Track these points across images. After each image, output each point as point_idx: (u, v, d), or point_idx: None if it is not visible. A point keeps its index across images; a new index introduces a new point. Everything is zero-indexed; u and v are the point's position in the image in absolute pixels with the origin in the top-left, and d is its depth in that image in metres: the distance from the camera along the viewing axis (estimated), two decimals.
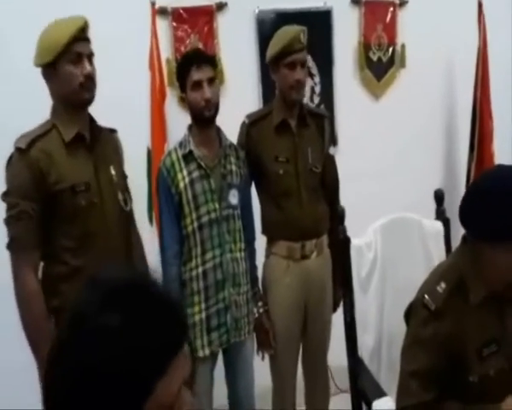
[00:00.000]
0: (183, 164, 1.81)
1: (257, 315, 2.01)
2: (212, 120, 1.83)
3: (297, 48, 1.89)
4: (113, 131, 1.81)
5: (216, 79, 1.84)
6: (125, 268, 0.83)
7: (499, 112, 2.96)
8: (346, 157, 2.84)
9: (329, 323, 2.14)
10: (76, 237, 1.58)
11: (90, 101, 1.61)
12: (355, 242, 1.72)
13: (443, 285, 1.32)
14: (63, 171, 1.55)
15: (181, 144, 1.85)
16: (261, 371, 2.11)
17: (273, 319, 2.05)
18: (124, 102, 2.32)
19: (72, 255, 1.58)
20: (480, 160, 2.91)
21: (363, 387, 1.64)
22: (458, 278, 1.33)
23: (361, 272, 1.73)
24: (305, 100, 2.75)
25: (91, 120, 1.68)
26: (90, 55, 1.60)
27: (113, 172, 1.69)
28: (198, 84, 1.76)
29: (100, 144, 1.68)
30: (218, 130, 1.91)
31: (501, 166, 1.31)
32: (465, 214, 1.29)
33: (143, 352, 0.66)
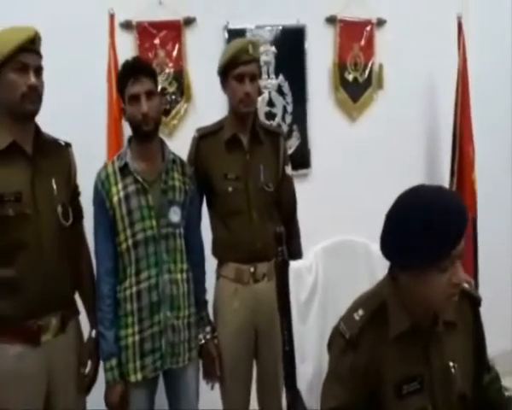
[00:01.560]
0: (119, 177, 1.72)
1: (203, 341, 1.90)
2: (150, 134, 1.74)
3: (244, 59, 1.82)
4: (67, 145, 1.77)
5: (154, 93, 1.73)
6: None
7: (481, 137, 2.85)
8: (318, 180, 2.77)
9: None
10: (3, 247, 1.53)
11: (33, 113, 1.58)
12: (294, 264, 1.61)
13: (360, 312, 1.21)
14: None
15: (119, 156, 1.77)
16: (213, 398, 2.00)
17: (221, 344, 1.94)
18: (83, 116, 2.28)
19: None
20: (461, 187, 2.79)
21: None
22: (378, 306, 1.22)
23: (300, 297, 1.61)
24: (278, 119, 2.70)
25: (37, 133, 1.64)
26: (38, 69, 1.56)
27: (54, 185, 1.64)
28: (135, 98, 1.69)
29: (44, 157, 1.63)
30: (162, 143, 1.83)
31: (411, 190, 1.18)
32: (382, 245, 1.20)
33: None
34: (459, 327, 1.25)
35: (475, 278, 2.68)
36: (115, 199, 1.70)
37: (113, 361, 1.71)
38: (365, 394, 1.18)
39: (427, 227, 1.08)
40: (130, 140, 1.79)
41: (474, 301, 1.30)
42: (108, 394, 1.73)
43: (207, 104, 2.52)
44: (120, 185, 1.71)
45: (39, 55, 1.58)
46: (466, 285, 1.30)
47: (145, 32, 2.44)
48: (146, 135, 1.72)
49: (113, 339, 1.72)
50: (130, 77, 1.69)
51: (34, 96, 1.54)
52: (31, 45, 1.53)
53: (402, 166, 2.82)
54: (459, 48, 2.76)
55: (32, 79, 1.52)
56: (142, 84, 1.69)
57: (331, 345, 1.27)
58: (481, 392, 1.28)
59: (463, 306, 1.27)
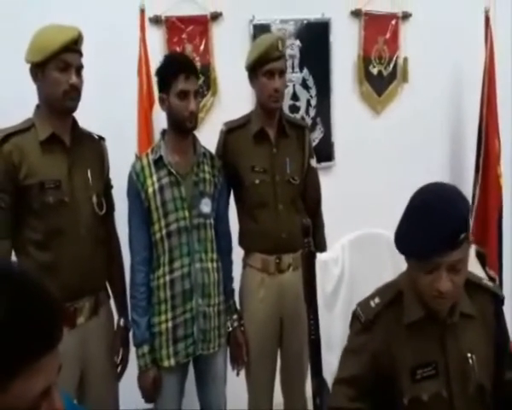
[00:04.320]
0: (153, 169, 1.78)
1: (230, 328, 1.96)
2: (192, 131, 1.81)
3: (275, 56, 1.85)
4: (100, 139, 1.85)
5: (199, 92, 1.82)
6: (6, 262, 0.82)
7: (508, 132, 2.84)
8: (342, 173, 2.80)
9: (306, 340, 2.05)
10: (43, 232, 1.62)
11: (71, 110, 1.67)
12: (321, 257, 1.65)
13: (377, 300, 1.30)
14: (34, 167, 1.60)
15: (153, 149, 1.83)
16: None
17: (247, 332, 2.00)
18: (115, 108, 2.35)
19: (38, 249, 1.62)
20: (485, 182, 2.78)
21: (321, 408, 1.56)
22: (395, 294, 1.29)
23: (326, 288, 1.65)
24: (301, 112, 2.73)
25: (75, 125, 1.73)
26: (79, 68, 1.65)
27: (89, 175, 1.72)
28: (185, 94, 1.74)
29: (80, 148, 1.72)
30: (194, 138, 1.88)
31: (431, 184, 1.23)
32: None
33: None
34: (478, 321, 1.29)
35: (499, 274, 2.68)
36: (150, 190, 1.76)
37: (145, 348, 1.78)
38: (374, 372, 1.26)
39: (413, 226, 1.17)
40: (163, 133, 1.85)
41: (495, 299, 1.33)
42: (141, 379, 1.80)
43: (233, 98, 2.56)
44: (155, 177, 1.77)
45: (81, 55, 1.65)
46: (489, 283, 1.35)
47: (173, 26, 2.50)
48: (188, 131, 1.79)
49: (146, 326, 1.78)
50: (182, 72, 1.73)
51: (75, 94, 1.63)
52: (74, 45, 1.61)
53: (426, 161, 2.83)
54: (486, 42, 2.73)
55: (74, 79, 1.60)
56: (193, 82, 1.75)
57: (350, 327, 1.36)
58: (503, 388, 1.30)
59: (484, 301, 1.31)
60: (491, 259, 2.61)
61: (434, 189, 1.21)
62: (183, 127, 1.77)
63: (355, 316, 1.32)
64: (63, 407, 0.75)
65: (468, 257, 1.19)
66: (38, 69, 1.59)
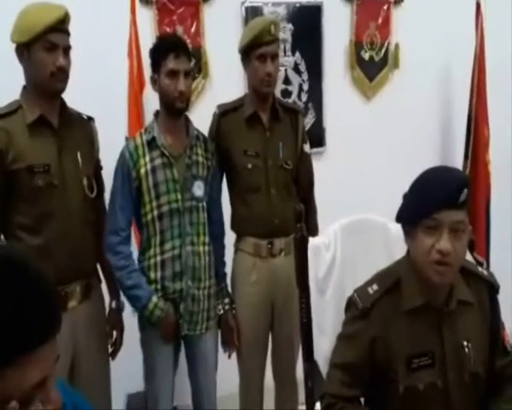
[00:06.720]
0: (146, 150, 1.77)
1: (222, 312, 1.97)
2: (182, 111, 1.79)
3: (267, 40, 1.84)
4: (90, 119, 1.81)
5: (191, 73, 1.79)
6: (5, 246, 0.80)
7: (497, 118, 2.86)
8: (333, 158, 2.80)
9: (298, 324, 2.08)
10: (33, 216, 1.60)
11: (59, 91, 1.63)
12: (313, 241, 1.65)
13: (375, 287, 1.29)
14: (22, 151, 1.57)
15: (146, 130, 1.82)
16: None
17: (239, 315, 2.01)
18: (105, 90, 2.31)
19: (29, 233, 1.60)
20: (474, 168, 2.80)
21: (312, 391, 1.58)
22: (393, 282, 1.29)
23: (318, 273, 1.66)
24: (293, 97, 2.72)
25: (63, 107, 1.68)
26: (67, 48, 1.60)
27: (79, 157, 1.69)
28: (174, 74, 1.72)
29: (69, 130, 1.68)
30: (187, 120, 1.87)
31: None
32: None
33: None
34: (475, 308, 1.30)
35: (487, 259, 2.72)
36: (142, 171, 1.75)
37: (154, 298, 1.76)
38: (369, 359, 1.27)
39: (418, 188, 1.22)
40: (156, 115, 1.83)
41: (490, 287, 1.34)
42: (163, 328, 1.78)
43: (224, 81, 2.54)
44: (148, 158, 1.76)
45: (68, 34, 1.61)
46: (485, 272, 1.37)
47: (164, 8, 2.45)
48: (179, 112, 1.77)
49: (146, 283, 1.77)
50: (172, 51, 1.72)
51: (62, 75, 1.59)
52: (60, 25, 1.56)
53: (416, 146, 2.85)
54: (477, 29, 2.74)
55: (61, 60, 1.56)
56: (183, 62, 1.73)
57: (345, 312, 1.36)
58: (495, 375, 1.32)
59: (481, 289, 1.32)
60: (479, 244, 2.65)
61: (439, 166, 1.28)
62: (173, 107, 1.76)
63: (352, 302, 1.31)
64: (59, 398, 0.74)
65: (467, 228, 1.20)
66: (24, 50, 1.55)
